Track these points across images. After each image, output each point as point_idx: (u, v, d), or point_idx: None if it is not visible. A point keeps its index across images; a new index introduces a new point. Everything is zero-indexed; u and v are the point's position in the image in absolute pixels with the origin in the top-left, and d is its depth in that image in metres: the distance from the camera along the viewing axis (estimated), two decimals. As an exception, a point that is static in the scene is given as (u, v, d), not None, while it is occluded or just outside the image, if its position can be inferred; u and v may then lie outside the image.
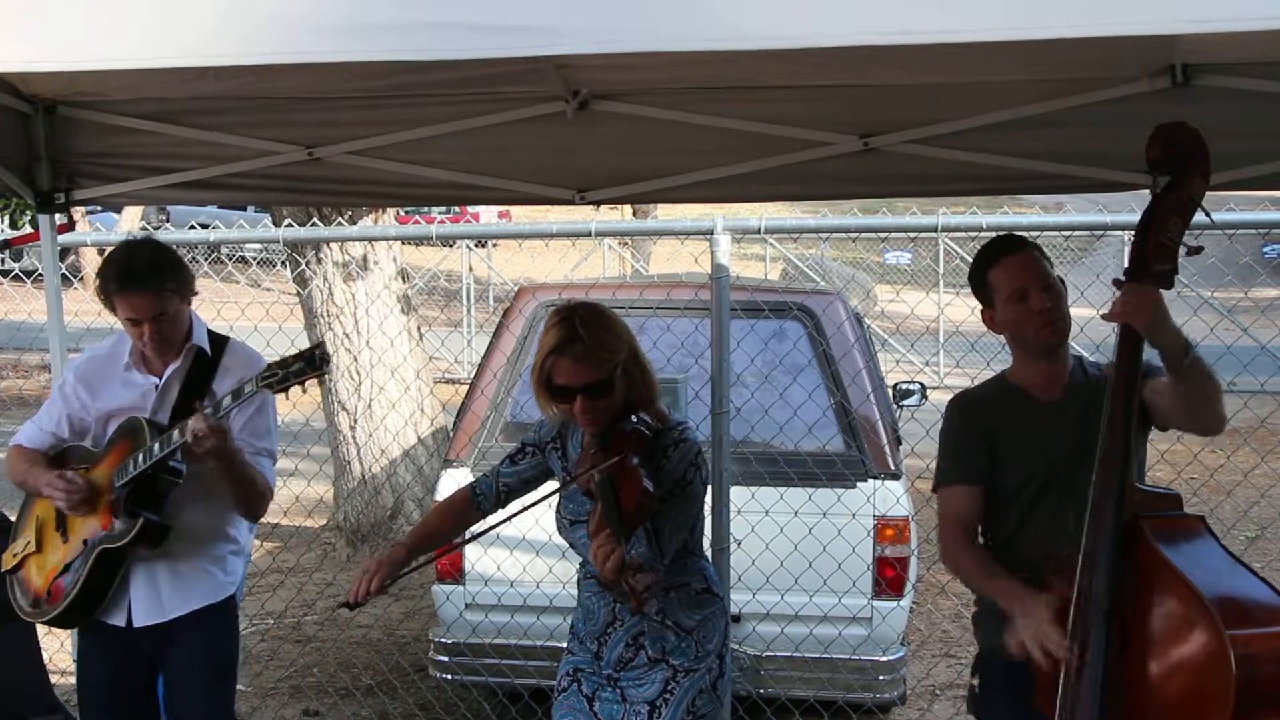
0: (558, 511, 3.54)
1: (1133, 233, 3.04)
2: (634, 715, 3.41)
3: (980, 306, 3.39)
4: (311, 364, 3.38)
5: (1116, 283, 3.02)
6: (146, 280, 3.66)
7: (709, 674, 3.44)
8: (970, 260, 3.45)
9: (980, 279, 3.34)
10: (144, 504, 3.69)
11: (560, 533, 3.56)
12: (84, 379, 3.90)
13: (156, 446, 3.61)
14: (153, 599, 3.79)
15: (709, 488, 3.52)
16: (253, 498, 3.81)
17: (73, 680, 4.86)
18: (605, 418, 3.34)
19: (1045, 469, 3.27)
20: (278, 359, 3.49)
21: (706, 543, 4.84)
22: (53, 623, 3.91)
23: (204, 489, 3.74)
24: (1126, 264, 3.00)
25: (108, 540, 3.70)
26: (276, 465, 3.95)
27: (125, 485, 3.66)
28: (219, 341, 3.91)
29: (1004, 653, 3.07)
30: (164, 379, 3.81)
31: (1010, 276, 3.27)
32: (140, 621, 3.78)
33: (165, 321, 3.72)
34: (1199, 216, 3.03)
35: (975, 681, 3.43)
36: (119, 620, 3.79)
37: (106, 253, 3.83)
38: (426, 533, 3.64)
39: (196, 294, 3.86)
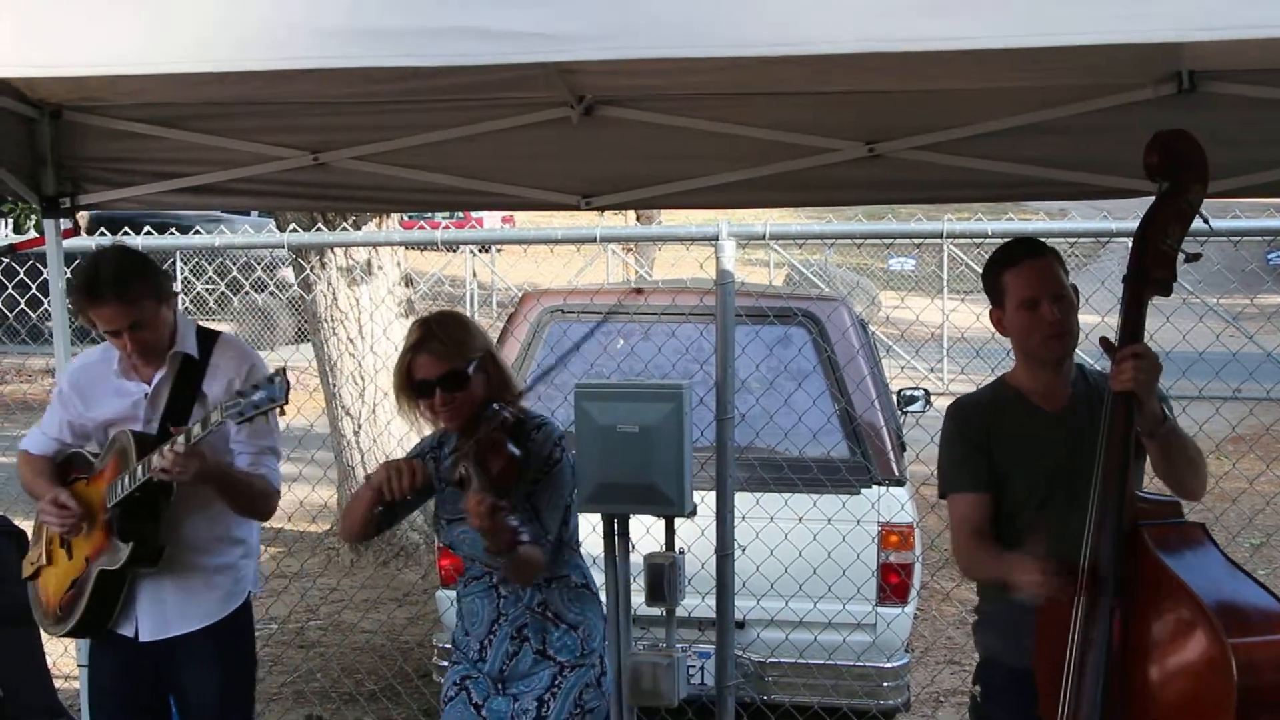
0: (435, 515, 3.68)
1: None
2: (523, 714, 3.51)
3: (989, 306, 3.35)
4: (271, 393, 3.34)
5: (1105, 343, 2.98)
6: (114, 290, 3.57)
7: (593, 670, 3.59)
8: (974, 266, 3.44)
9: (994, 279, 3.31)
10: (138, 522, 3.64)
11: (437, 535, 3.71)
12: (77, 388, 3.85)
13: (139, 470, 3.55)
14: (158, 614, 3.75)
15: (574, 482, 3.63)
16: (256, 502, 3.77)
17: (76, 685, 4.87)
18: (464, 413, 3.50)
19: (1047, 479, 3.25)
20: (239, 388, 3.45)
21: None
22: (68, 635, 3.91)
23: (203, 500, 3.69)
24: (1125, 270, 2.99)
25: (105, 563, 3.67)
26: (280, 470, 3.91)
27: (116, 506, 3.63)
28: (209, 339, 3.82)
29: (1005, 661, 3.06)
30: (152, 386, 3.74)
31: (1025, 283, 3.24)
32: (146, 636, 3.76)
33: (144, 329, 3.64)
34: (1198, 223, 3.02)
35: (976, 690, 3.42)
36: (128, 631, 3.77)
37: (73, 265, 3.80)
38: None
39: (175, 294, 3.78)
